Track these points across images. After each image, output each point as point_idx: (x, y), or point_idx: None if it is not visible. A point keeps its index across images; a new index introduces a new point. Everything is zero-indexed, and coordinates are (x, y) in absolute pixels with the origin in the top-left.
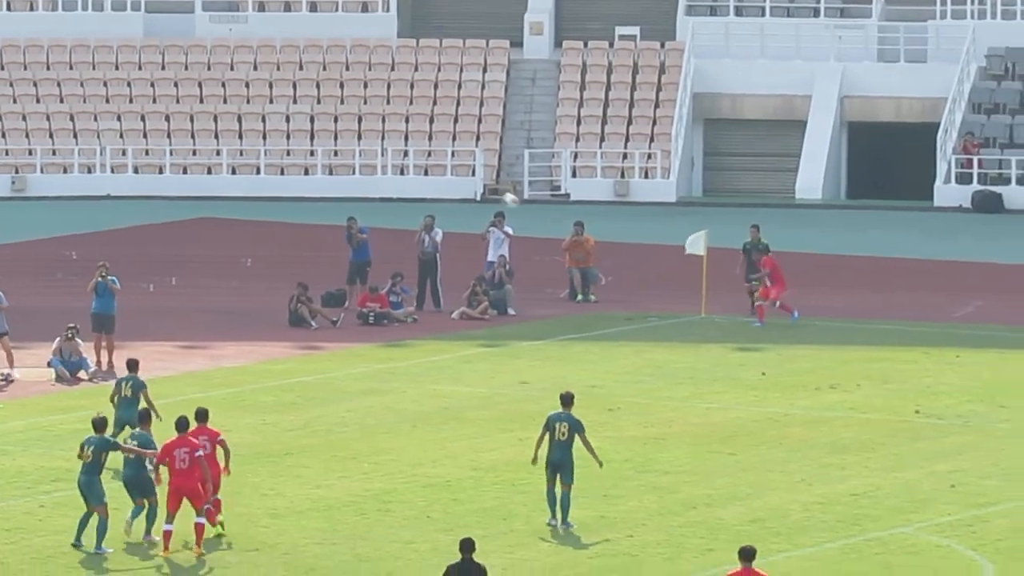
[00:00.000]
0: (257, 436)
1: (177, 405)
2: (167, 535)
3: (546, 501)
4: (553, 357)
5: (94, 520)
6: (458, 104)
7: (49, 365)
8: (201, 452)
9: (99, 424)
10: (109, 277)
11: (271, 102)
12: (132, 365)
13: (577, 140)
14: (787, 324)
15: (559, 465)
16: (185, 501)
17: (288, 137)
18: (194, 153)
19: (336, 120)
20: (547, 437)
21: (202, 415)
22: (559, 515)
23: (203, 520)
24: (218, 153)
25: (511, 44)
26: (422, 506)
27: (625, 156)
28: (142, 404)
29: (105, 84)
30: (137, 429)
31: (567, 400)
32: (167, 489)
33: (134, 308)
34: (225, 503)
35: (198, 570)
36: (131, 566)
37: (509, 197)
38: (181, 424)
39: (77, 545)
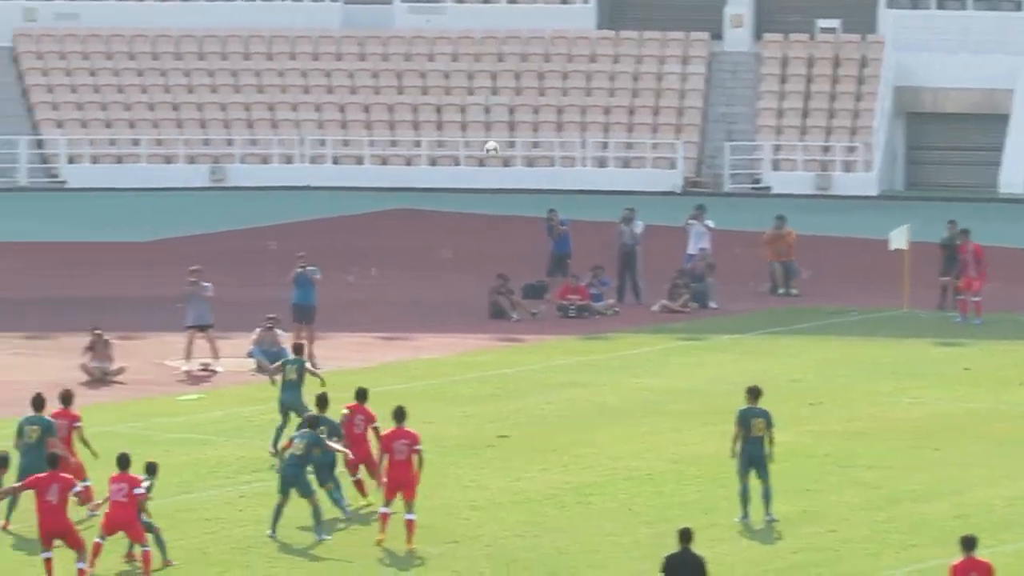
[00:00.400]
0: (458, 428)
1: (378, 396)
2: (384, 517)
3: (739, 498)
4: (754, 351)
5: (305, 508)
6: (658, 96)
7: (249, 355)
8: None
9: (311, 421)
10: (309, 268)
11: (470, 94)
12: (297, 349)
13: (778, 133)
14: (988, 320)
15: (756, 460)
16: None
17: (487, 128)
18: (393, 144)
19: (536, 112)
20: (741, 433)
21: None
22: (762, 508)
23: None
24: (417, 144)
25: (711, 36)
26: (623, 499)
27: (826, 149)
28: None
29: (304, 75)
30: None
31: (756, 394)
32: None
33: (334, 299)
34: (426, 495)
35: (408, 561)
36: (340, 555)
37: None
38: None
39: (272, 536)
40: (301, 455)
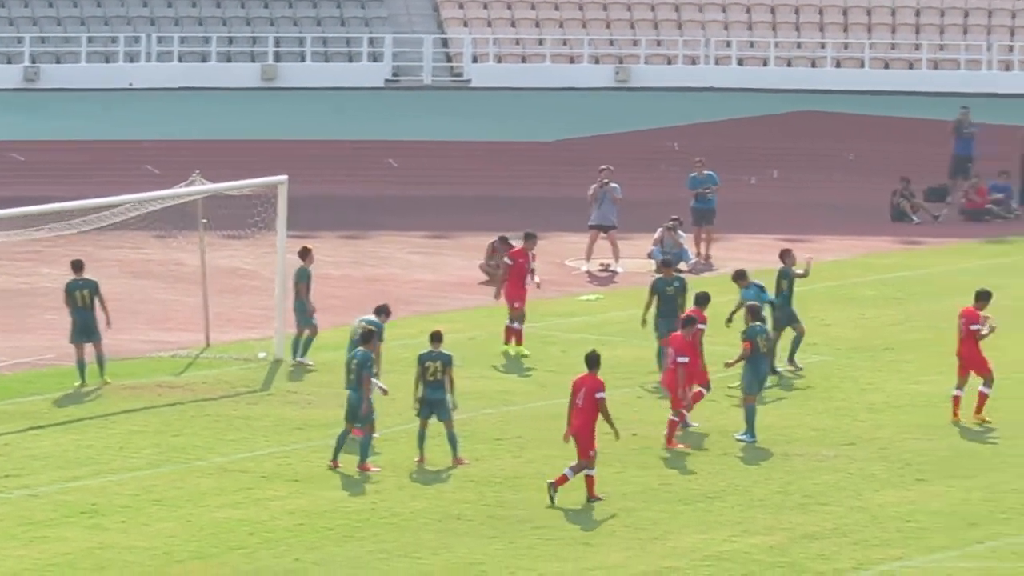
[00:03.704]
0: (857, 330)
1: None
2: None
3: None
4: None
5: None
6: None
7: (650, 256)
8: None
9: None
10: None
11: None
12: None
13: None
14: None
15: None
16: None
17: (893, 31)
18: (798, 46)
19: (942, 14)
20: None
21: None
22: None
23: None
24: (823, 46)
25: None
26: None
27: None
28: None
29: None
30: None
31: None
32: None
33: (735, 201)
34: (823, 397)
35: (772, 462)
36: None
37: None
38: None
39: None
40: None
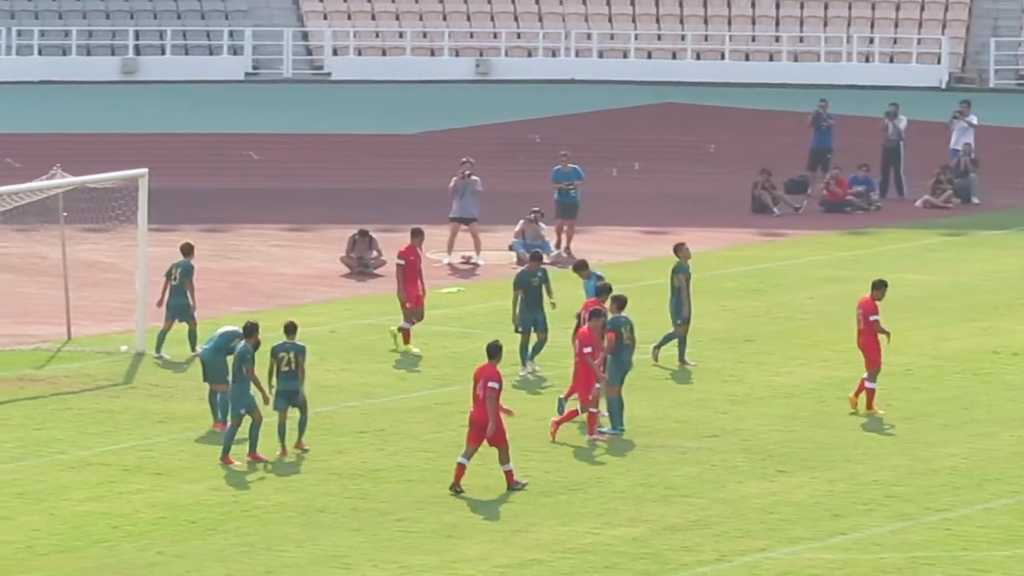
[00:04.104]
0: (718, 322)
1: (640, 291)
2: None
3: None
4: (1017, 246)
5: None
6: None
7: (511, 248)
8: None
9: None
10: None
11: None
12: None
13: None
14: None
15: None
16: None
17: (753, 23)
18: (659, 38)
19: (802, 7)
20: None
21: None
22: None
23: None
24: (683, 38)
25: None
26: (880, 394)
27: None
28: None
29: None
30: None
31: None
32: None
33: (597, 193)
34: (686, 389)
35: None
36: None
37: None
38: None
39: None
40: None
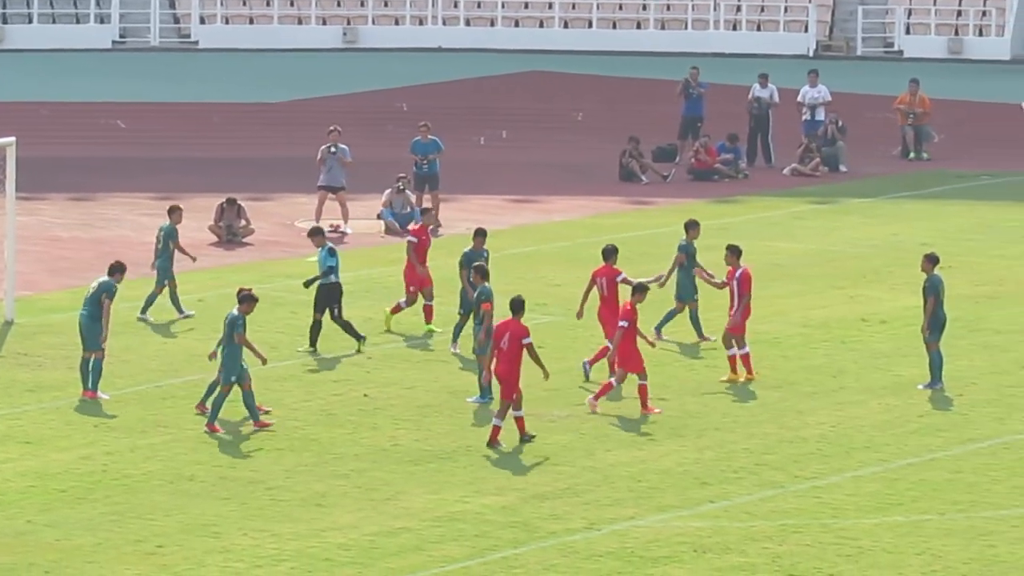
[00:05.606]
0: None
1: (508, 259)
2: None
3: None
4: (884, 214)
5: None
6: None
7: (379, 217)
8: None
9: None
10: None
11: None
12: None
13: None
14: None
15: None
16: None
17: None
18: (526, 6)
19: None
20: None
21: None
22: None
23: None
24: (550, 6)
25: None
26: (756, 361)
27: (959, 13)
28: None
29: None
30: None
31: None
32: None
33: (465, 161)
34: (556, 358)
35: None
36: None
37: None
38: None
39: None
40: None
